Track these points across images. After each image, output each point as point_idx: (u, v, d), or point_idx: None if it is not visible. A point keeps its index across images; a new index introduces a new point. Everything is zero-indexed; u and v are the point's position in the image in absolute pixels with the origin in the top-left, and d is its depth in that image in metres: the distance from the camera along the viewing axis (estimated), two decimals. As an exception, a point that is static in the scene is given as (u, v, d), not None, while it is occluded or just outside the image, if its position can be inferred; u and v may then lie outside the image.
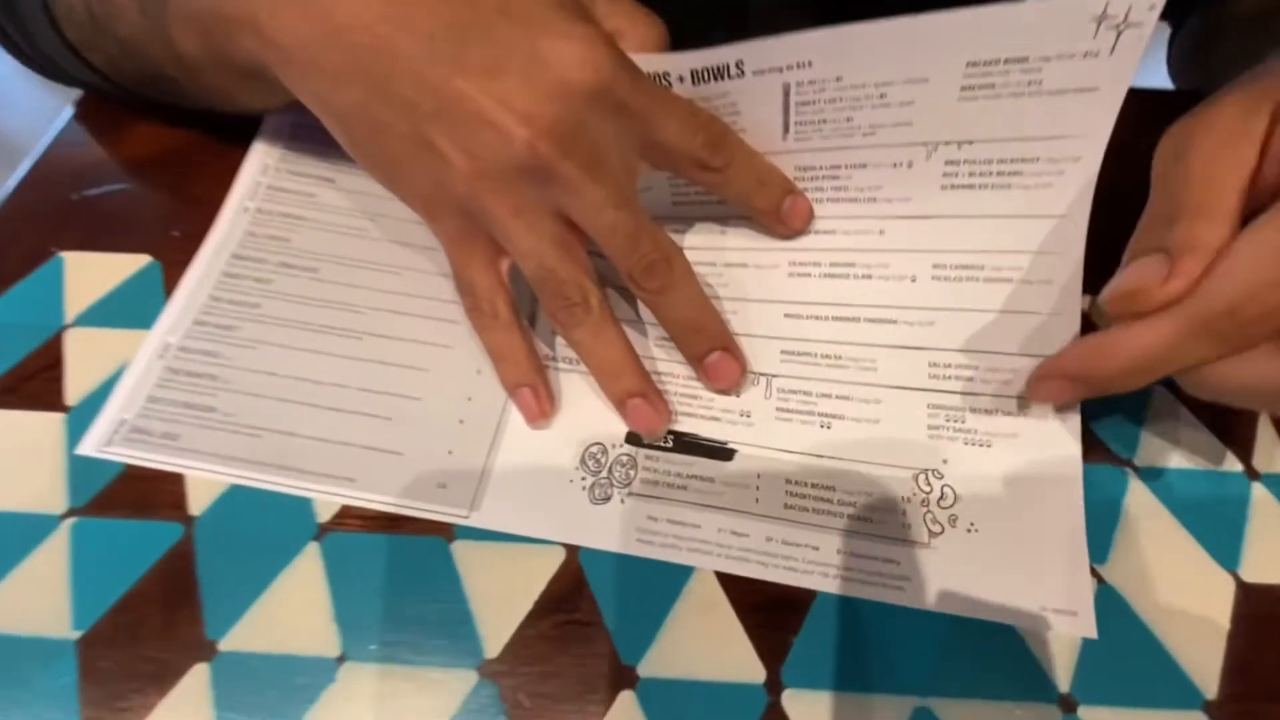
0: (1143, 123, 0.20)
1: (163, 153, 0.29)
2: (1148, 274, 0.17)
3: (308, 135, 0.28)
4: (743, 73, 0.20)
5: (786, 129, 0.22)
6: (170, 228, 0.26)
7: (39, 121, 0.31)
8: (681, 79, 0.21)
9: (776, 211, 0.23)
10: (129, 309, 0.24)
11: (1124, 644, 0.19)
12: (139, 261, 0.25)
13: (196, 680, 0.18)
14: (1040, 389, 0.20)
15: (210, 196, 0.27)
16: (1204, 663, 0.18)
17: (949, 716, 0.18)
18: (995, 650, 0.19)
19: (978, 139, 0.21)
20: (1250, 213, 0.16)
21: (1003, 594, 0.19)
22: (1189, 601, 0.19)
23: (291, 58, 0.20)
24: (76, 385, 0.23)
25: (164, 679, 0.18)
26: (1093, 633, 0.19)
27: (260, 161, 0.28)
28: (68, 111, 0.30)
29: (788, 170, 0.23)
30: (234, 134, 0.28)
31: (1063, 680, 0.18)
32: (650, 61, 0.21)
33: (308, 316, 0.24)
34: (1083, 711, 0.18)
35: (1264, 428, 0.22)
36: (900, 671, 0.18)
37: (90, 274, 0.25)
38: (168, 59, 0.24)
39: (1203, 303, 0.16)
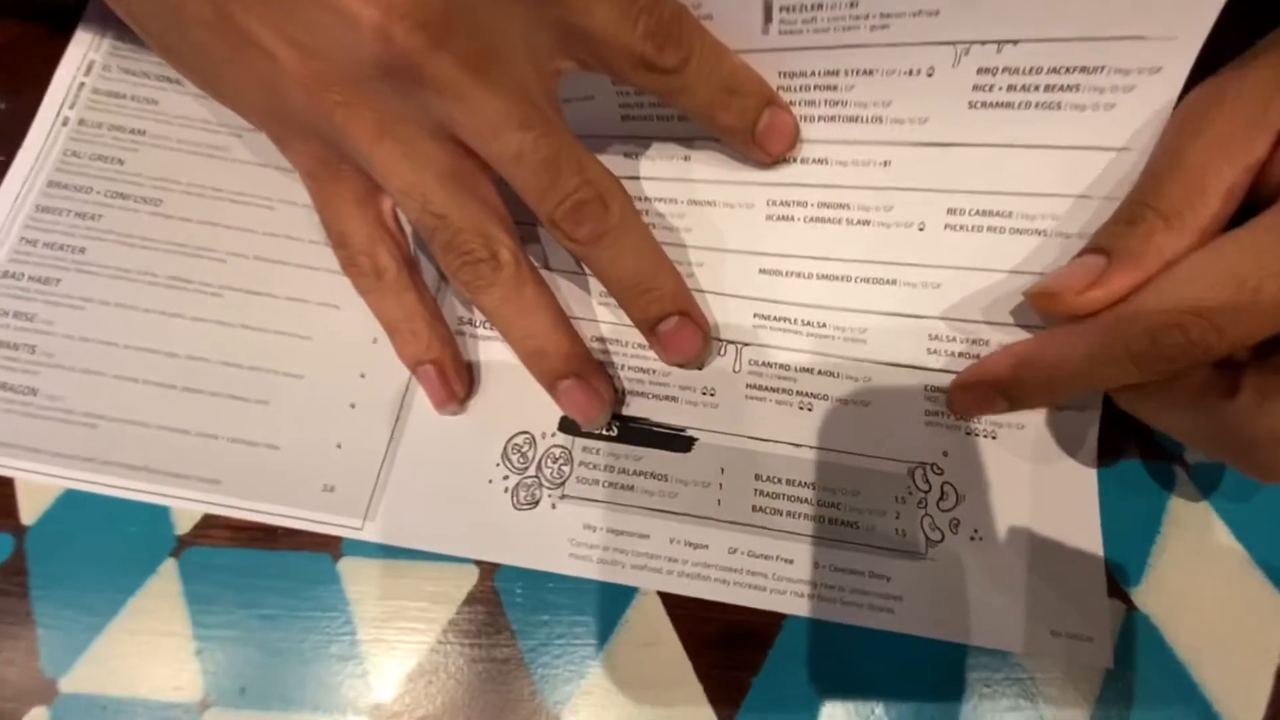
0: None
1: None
2: (1075, 277, 0.15)
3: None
4: None
5: (768, 18, 0.16)
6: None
7: None
8: None
9: (749, 130, 0.17)
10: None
11: (1153, 681, 0.16)
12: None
13: (22, 738, 0.15)
14: (960, 400, 0.17)
15: (20, 106, 0.20)
16: (1246, 709, 0.16)
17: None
18: (999, 686, 0.16)
19: (1025, 37, 0.15)
20: (1258, 204, 0.14)
21: (1009, 616, 0.16)
22: (1236, 635, 0.16)
23: None
24: None
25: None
26: (1109, 662, 0.16)
27: (83, 54, 0.21)
28: None
29: (768, 76, 0.17)
30: (51, 21, 0.21)
31: (1080, 714, 0.16)
32: None
33: (151, 265, 0.19)
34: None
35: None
36: (884, 715, 0.16)
37: None
38: None
39: (1121, 320, 0.14)
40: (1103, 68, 0.15)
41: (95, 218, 0.19)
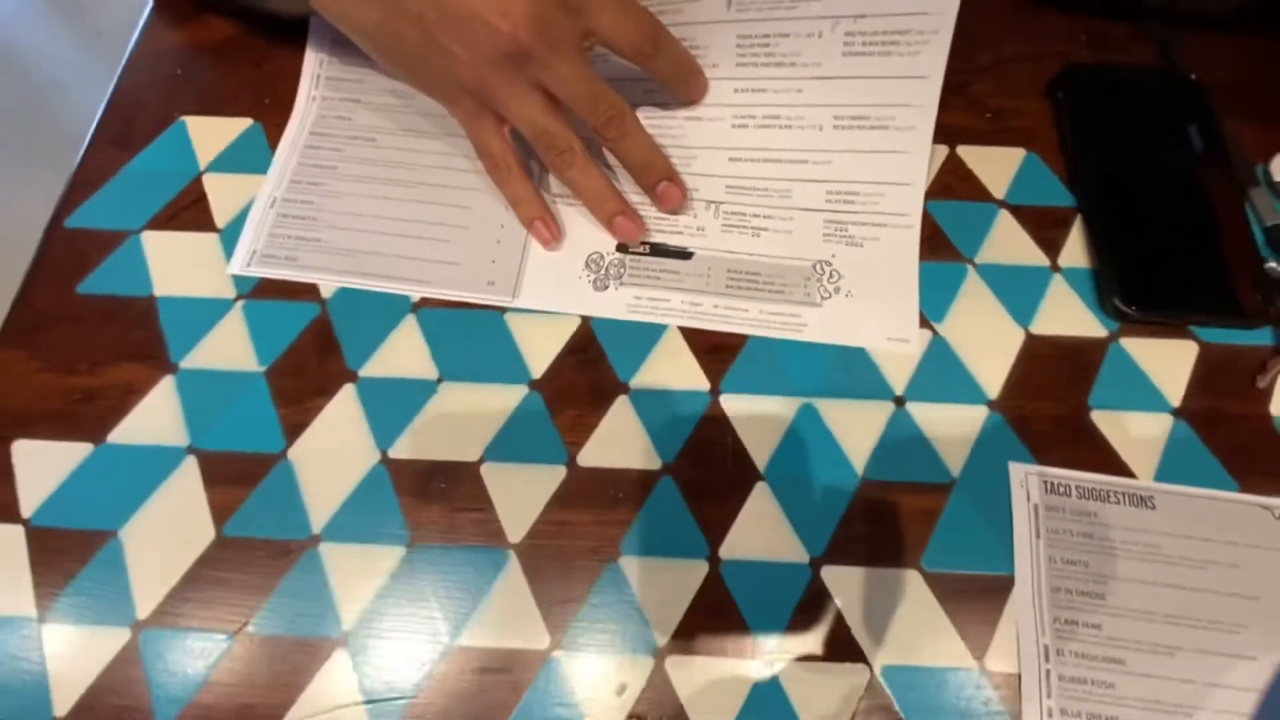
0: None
1: (238, 37, 0.36)
2: None
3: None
4: None
5: (730, 3, 0.30)
6: (262, 96, 0.34)
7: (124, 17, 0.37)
8: None
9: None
10: (245, 159, 0.33)
11: (942, 367, 0.29)
12: (244, 124, 0.33)
13: (347, 394, 0.29)
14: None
15: (284, 70, 0.34)
16: (995, 380, 0.29)
17: (823, 410, 0.29)
18: (856, 366, 0.29)
19: (869, 13, 0.29)
20: None
21: (864, 331, 0.29)
22: (992, 345, 0.30)
23: None
24: (221, 214, 0.32)
25: (326, 393, 0.28)
26: (917, 354, 0.29)
27: (315, 56, 0.35)
28: (148, 5, 0.36)
29: (729, 39, 0.31)
30: (286, 23, 0.35)
31: (899, 386, 0.29)
32: None
33: (374, 173, 0.33)
34: (909, 405, 0.29)
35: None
36: (795, 382, 0.29)
37: (209, 133, 0.33)
38: None
39: None
40: (909, 30, 0.29)
41: (339, 150, 0.33)
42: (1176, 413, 0.29)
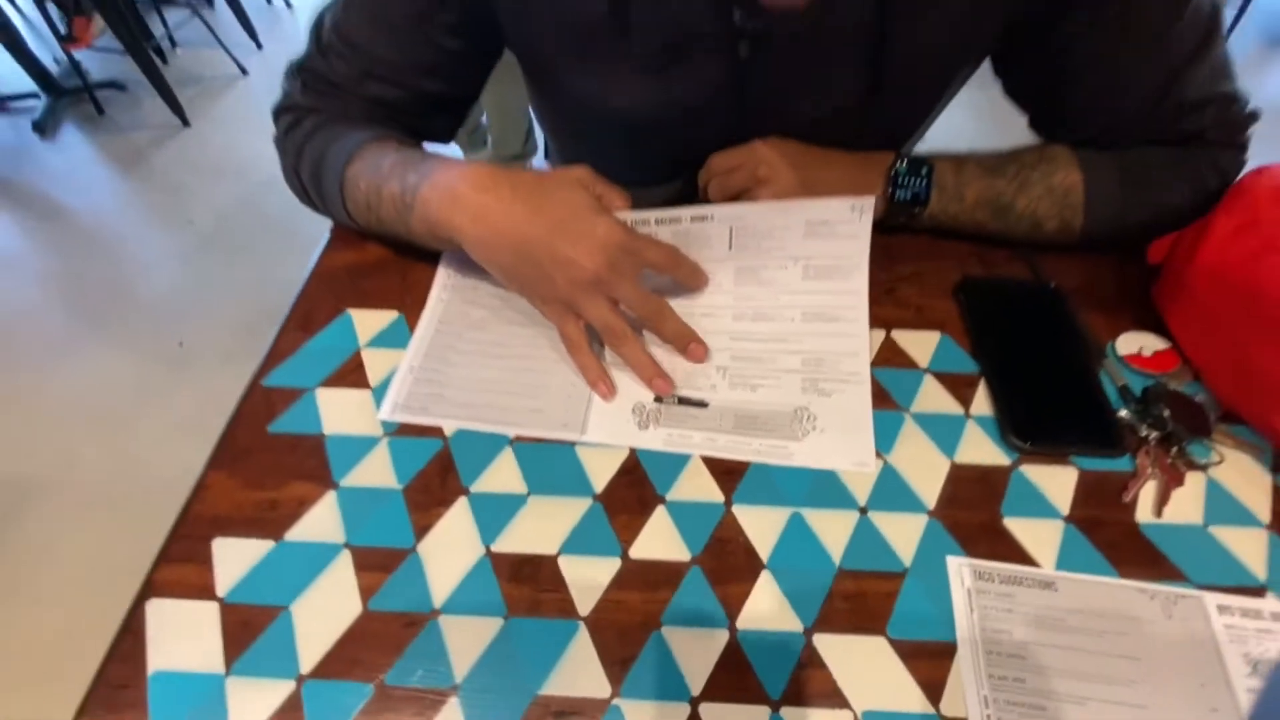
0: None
1: (389, 256, 0.51)
2: None
3: (469, 257, 0.50)
4: (711, 218, 0.44)
5: (730, 246, 0.45)
6: (405, 296, 0.48)
7: (310, 242, 0.54)
8: (660, 221, 0.46)
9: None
10: (392, 339, 0.46)
11: (893, 486, 0.40)
12: (391, 315, 0.48)
13: (461, 505, 0.39)
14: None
15: (421, 279, 0.50)
16: (932, 495, 0.40)
17: (808, 517, 0.39)
18: (830, 484, 0.40)
19: (817, 257, 0.44)
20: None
21: (835, 458, 0.41)
22: (927, 470, 0.41)
23: (476, 242, 0.43)
24: (374, 377, 0.45)
25: (446, 504, 0.39)
26: (874, 475, 0.40)
27: (446, 267, 0.51)
28: (326, 232, 0.53)
29: (730, 269, 0.46)
30: (426, 250, 0.51)
31: (862, 499, 0.40)
32: (649, 215, 0.45)
33: (483, 349, 0.46)
34: (870, 514, 0.39)
35: (980, 395, 0.45)
36: (786, 496, 0.40)
37: (367, 321, 0.47)
38: (404, 232, 0.47)
39: None
40: (842, 264, 0.44)
41: (460, 335, 0.47)
42: (1066, 519, 0.39)
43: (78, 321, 1.59)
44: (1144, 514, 0.39)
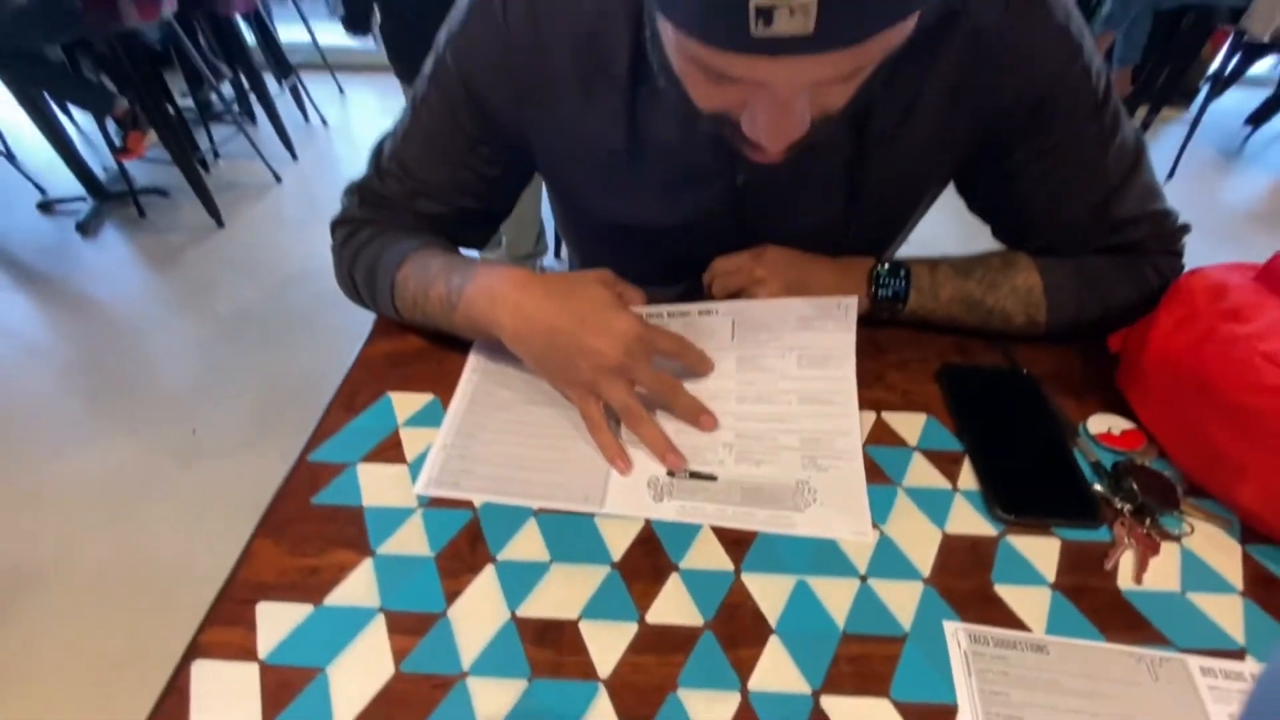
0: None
1: (425, 346, 0.57)
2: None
3: (497, 347, 0.56)
4: (715, 312, 0.50)
5: (733, 337, 0.51)
6: (440, 380, 0.54)
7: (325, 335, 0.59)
8: (672, 315, 0.51)
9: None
10: (427, 419, 0.51)
11: (890, 555, 0.44)
12: (427, 397, 0.53)
13: (489, 572, 0.42)
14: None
15: (454, 365, 0.55)
16: (926, 563, 0.43)
17: (812, 583, 0.42)
18: (832, 553, 0.43)
19: (809, 348, 0.50)
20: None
21: (835, 527, 0.44)
22: (921, 540, 0.44)
23: (512, 333, 0.49)
24: (410, 453, 0.49)
25: (475, 571, 0.42)
26: (872, 544, 0.43)
27: (476, 355, 0.56)
28: (343, 326, 0.59)
29: (732, 358, 0.52)
30: (459, 340, 0.57)
31: (861, 567, 0.43)
32: (661, 309, 0.51)
33: (510, 429, 0.51)
34: (870, 581, 0.42)
35: (965, 471, 0.49)
36: (791, 564, 0.43)
37: (405, 402, 0.52)
38: (446, 325, 0.53)
39: None
40: (832, 355, 0.50)
41: (488, 414, 0.52)
42: (1053, 586, 0.42)
43: (95, 409, 1.64)
44: (1125, 581, 0.42)
